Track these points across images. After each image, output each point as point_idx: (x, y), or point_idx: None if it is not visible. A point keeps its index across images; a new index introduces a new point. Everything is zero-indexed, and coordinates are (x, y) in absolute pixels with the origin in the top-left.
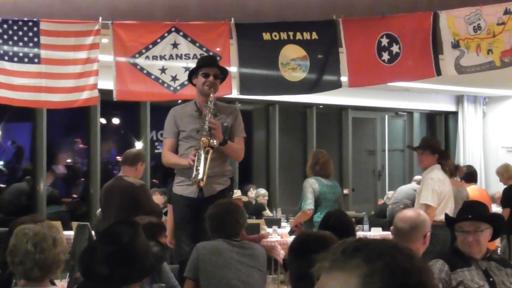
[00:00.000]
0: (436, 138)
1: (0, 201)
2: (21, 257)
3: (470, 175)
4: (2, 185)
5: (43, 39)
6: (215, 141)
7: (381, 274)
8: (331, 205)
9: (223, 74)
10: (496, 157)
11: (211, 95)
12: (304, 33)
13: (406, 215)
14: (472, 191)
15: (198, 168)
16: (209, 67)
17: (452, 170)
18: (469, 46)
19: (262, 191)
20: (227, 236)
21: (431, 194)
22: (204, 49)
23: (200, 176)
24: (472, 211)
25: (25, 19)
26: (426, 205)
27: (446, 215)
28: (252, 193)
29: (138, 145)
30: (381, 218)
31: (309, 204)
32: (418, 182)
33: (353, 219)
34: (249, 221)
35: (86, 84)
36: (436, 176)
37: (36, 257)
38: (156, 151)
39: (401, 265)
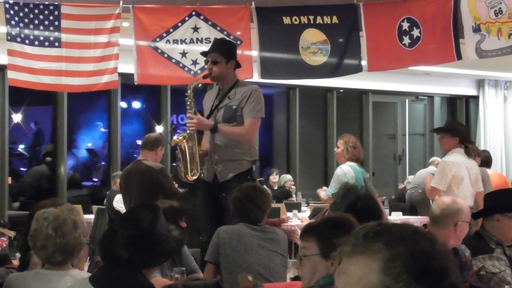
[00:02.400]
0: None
1: (21, 184)
2: (43, 242)
3: (486, 160)
4: (23, 169)
5: (64, 23)
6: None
7: (403, 258)
8: (360, 191)
9: (229, 56)
10: None
11: (188, 87)
12: (325, 17)
13: (442, 201)
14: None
15: (180, 165)
16: (208, 54)
17: (477, 153)
18: (490, 30)
19: (288, 176)
20: (249, 221)
21: (440, 177)
22: (225, 33)
23: (183, 174)
24: None
25: (46, 2)
26: (433, 188)
27: (498, 204)
28: (274, 177)
29: (159, 129)
30: (402, 202)
31: (333, 194)
32: (436, 165)
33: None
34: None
35: (107, 68)
36: (451, 159)
37: (57, 241)
38: (176, 135)
39: (422, 250)
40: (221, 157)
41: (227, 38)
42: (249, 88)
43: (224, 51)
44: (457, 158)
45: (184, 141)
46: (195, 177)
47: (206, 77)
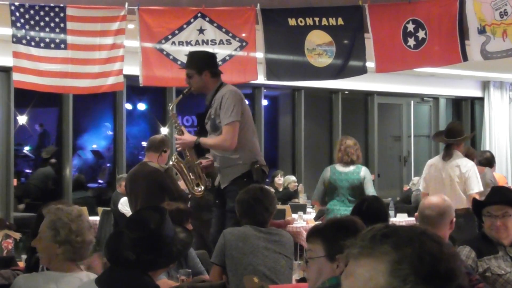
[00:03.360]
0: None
1: (26, 186)
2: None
3: (485, 162)
4: (28, 170)
5: (70, 25)
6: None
7: (410, 260)
8: (343, 193)
9: (200, 68)
10: None
11: (169, 105)
12: (330, 19)
13: (432, 202)
14: None
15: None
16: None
17: (474, 157)
18: (495, 31)
19: (291, 177)
20: (255, 223)
21: (421, 180)
22: (230, 34)
23: (188, 190)
24: (501, 195)
25: (52, 4)
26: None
27: (475, 200)
28: (279, 179)
29: (164, 130)
30: (407, 204)
31: (314, 194)
32: None
33: None
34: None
35: (112, 69)
36: (427, 163)
37: (78, 239)
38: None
39: (430, 252)
40: (219, 164)
41: (199, 50)
42: (221, 94)
43: (193, 64)
44: (430, 160)
45: (177, 161)
46: (201, 189)
47: (186, 94)
